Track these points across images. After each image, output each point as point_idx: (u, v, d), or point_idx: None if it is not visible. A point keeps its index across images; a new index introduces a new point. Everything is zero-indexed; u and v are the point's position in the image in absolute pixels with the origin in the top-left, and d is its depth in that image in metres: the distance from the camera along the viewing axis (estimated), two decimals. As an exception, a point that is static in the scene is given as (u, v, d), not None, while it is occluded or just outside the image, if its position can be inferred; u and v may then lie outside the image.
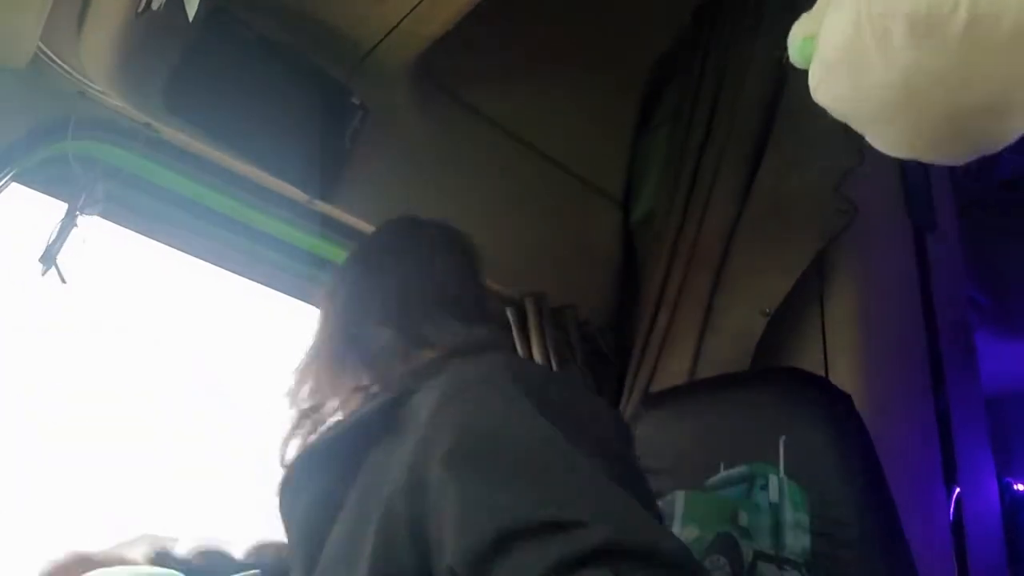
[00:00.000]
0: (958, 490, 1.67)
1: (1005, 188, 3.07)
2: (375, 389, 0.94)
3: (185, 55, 1.40)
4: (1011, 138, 0.53)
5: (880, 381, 1.58)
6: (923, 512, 1.57)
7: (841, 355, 1.59)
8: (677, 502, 1.17)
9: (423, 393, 0.83)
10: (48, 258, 1.33)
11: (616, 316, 2.09)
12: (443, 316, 1.00)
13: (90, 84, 1.36)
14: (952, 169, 2.29)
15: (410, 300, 1.02)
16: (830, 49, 0.57)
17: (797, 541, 1.08)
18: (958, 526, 1.64)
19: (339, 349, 1.02)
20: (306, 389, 1.02)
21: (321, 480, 0.89)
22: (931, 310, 1.81)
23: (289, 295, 1.74)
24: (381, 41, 1.62)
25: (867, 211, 1.65)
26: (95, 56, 1.34)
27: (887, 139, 0.59)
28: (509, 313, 1.85)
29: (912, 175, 1.92)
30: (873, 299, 1.70)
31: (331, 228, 1.68)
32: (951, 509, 1.64)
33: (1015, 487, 3.54)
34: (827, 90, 0.59)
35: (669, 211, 1.94)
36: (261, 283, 1.71)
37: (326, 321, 1.08)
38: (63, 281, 1.34)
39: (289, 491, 0.94)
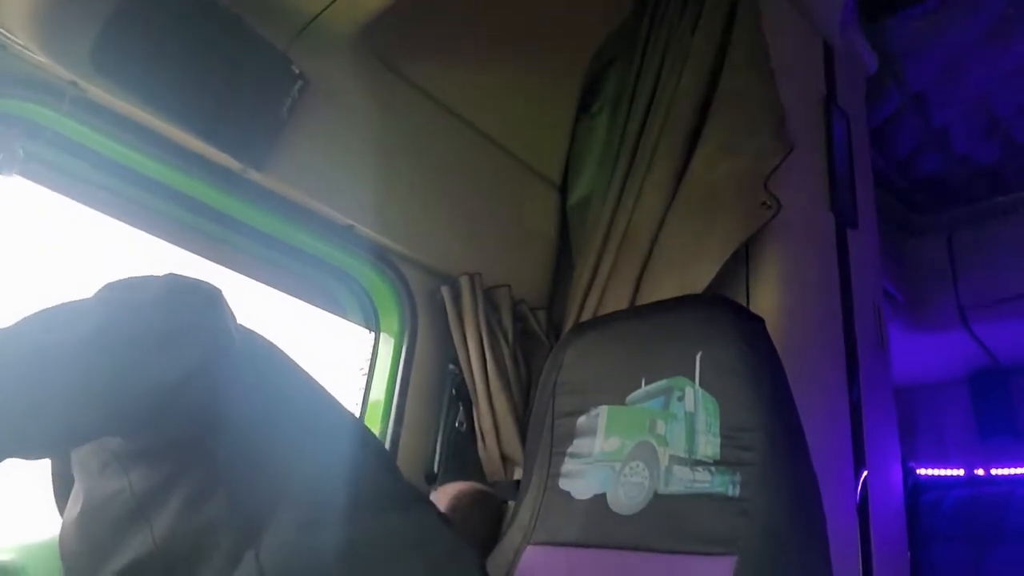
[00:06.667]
0: (865, 473, 1.76)
1: (923, 186, 3.19)
2: None
3: (116, 11, 1.35)
4: None
5: (799, 369, 1.64)
6: (832, 493, 1.64)
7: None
8: (600, 417, 1.34)
9: None
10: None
11: (549, 297, 2.12)
12: None
13: (12, 38, 1.30)
14: (876, 164, 2.38)
15: None
16: None
17: (709, 445, 1.19)
18: (864, 507, 1.73)
19: None
20: None
21: None
22: (849, 303, 1.89)
23: (216, 263, 1.70)
24: (324, 10, 1.60)
25: (792, 205, 1.71)
26: (18, 9, 1.28)
27: None
28: (444, 291, 1.86)
29: (838, 171, 1.99)
30: (795, 290, 1.76)
31: (264, 198, 1.65)
32: (858, 491, 1.73)
33: (917, 471, 3.74)
34: None
35: (604, 196, 1.97)
36: (186, 250, 1.66)
37: None
38: None
39: None
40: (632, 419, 1.30)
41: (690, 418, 1.22)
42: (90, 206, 1.52)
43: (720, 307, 1.35)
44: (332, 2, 1.57)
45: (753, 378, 1.19)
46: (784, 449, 1.15)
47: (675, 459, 1.21)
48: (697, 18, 1.96)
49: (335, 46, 1.68)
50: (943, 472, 3.76)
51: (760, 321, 1.30)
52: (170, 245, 1.62)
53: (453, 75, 1.97)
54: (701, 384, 1.23)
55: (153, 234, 1.61)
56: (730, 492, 1.13)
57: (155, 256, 1.63)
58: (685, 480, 1.19)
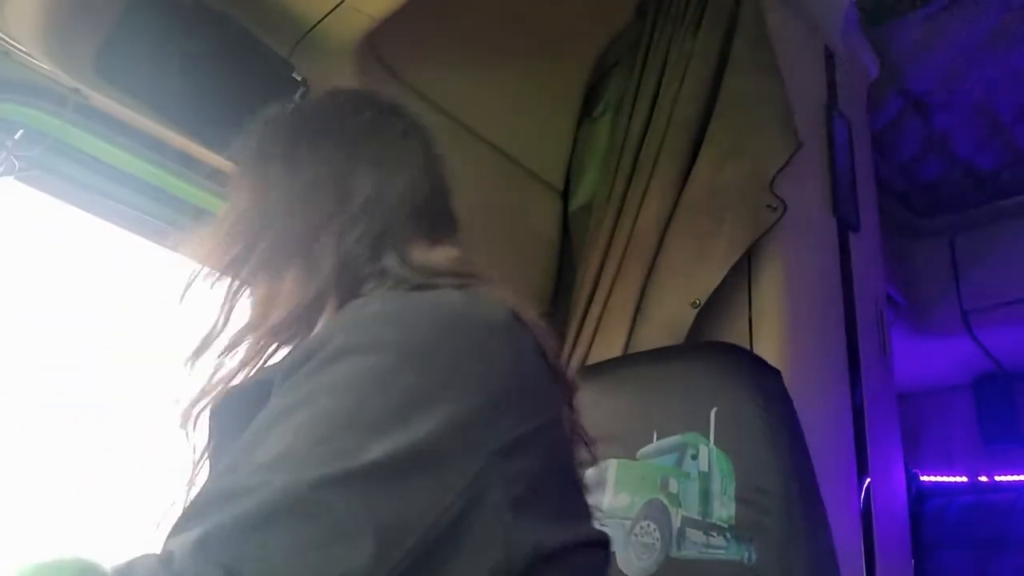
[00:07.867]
0: (868, 480, 1.75)
1: (925, 190, 3.19)
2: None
3: (119, 18, 1.35)
4: None
5: (802, 374, 1.64)
6: (835, 500, 1.64)
7: (766, 348, 1.65)
8: (610, 470, 1.26)
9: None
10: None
11: (551, 303, 2.11)
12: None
13: (15, 44, 1.31)
14: (878, 168, 2.38)
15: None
16: None
17: (724, 508, 1.13)
18: (867, 514, 1.72)
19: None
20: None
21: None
22: (851, 307, 1.89)
23: (221, 271, 1.70)
24: (326, 17, 1.60)
25: (795, 209, 1.70)
26: (21, 16, 1.28)
27: None
28: (445, 296, 1.85)
29: (840, 175, 1.99)
30: (798, 294, 1.76)
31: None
32: (861, 498, 1.72)
33: (921, 478, 3.72)
34: None
35: (607, 201, 1.96)
36: (192, 258, 1.66)
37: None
38: None
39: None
40: (643, 475, 1.24)
41: (704, 478, 1.17)
42: (92, 213, 1.52)
43: (735, 358, 1.30)
44: (333, 8, 1.57)
45: (770, 437, 1.15)
46: (801, 512, 1.10)
47: (688, 521, 1.16)
48: (699, 22, 1.97)
49: (338, 52, 1.68)
50: (947, 479, 3.74)
51: (776, 373, 1.25)
52: (173, 253, 1.62)
53: (455, 80, 1.97)
54: (716, 443, 1.18)
55: (155, 241, 1.61)
56: (746, 559, 1.09)
57: (158, 263, 1.63)
58: (699, 544, 1.14)
